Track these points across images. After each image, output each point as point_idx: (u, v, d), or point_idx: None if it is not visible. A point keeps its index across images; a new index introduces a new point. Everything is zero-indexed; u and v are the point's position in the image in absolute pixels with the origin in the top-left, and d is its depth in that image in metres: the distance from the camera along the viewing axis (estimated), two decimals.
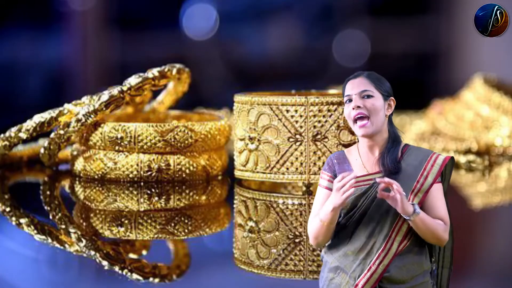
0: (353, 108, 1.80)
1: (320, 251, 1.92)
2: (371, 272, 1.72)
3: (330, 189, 1.80)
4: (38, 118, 2.69)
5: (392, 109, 1.83)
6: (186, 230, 2.23)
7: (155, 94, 2.91)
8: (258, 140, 2.43)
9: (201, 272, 2.02)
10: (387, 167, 1.77)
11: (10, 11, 5.36)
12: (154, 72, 2.64)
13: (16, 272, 2.04)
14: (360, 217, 1.77)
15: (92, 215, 2.36)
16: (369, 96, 1.80)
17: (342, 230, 1.78)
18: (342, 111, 2.36)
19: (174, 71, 2.69)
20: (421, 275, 1.74)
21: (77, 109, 2.65)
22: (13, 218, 2.35)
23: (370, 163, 1.81)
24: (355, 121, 1.80)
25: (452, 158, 1.80)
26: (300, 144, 2.39)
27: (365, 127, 1.79)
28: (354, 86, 1.81)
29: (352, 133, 2.36)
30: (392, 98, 1.83)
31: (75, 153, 2.70)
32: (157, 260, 2.04)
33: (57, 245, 2.12)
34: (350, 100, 1.81)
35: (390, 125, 1.82)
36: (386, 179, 1.71)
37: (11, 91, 5.32)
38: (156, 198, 2.47)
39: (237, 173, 2.52)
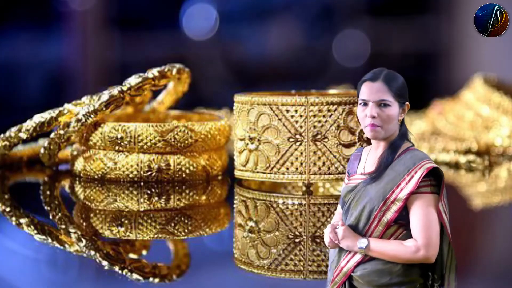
0: (368, 116, 1.74)
1: (321, 251, 1.93)
2: (342, 266, 1.72)
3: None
4: (38, 118, 2.69)
5: (405, 113, 1.77)
6: (186, 230, 2.23)
7: (155, 94, 2.91)
8: (258, 140, 2.43)
9: (201, 272, 2.02)
10: (378, 166, 1.75)
11: (10, 11, 5.37)
12: (154, 72, 2.64)
13: (16, 272, 2.04)
14: (346, 212, 1.76)
15: (92, 215, 2.36)
16: (385, 105, 1.74)
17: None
18: (342, 111, 2.36)
19: (174, 71, 2.69)
20: (397, 284, 1.69)
21: (77, 109, 2.65)
22: (13, 218, 2.35)
23: (370, 163, 1.80)
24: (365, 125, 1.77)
25: (435, 168, 1.72)
26: (300, 144, 2.39)
27: (375, 131, 1.74)
28: (372, 92, 1.74)
29: (352, 133, 2.37)
30: (407, 103, 1.77)
31: (75, 153, 2.70)
32: (157, 260, 2.04)
33: (57, 245, 2.12)
34: (365, 104, 1.75)
35: (402, 126, 1.77)
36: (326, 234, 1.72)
37: (11, 91, 5.32)
38: (156, 198, 2.47)
39: (237, 173, 2.52)
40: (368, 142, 2.30)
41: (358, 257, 1.71)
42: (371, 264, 1.70)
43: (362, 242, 1.69)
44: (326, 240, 1.73)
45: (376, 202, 1.71)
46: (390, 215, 1.70)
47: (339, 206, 1.79)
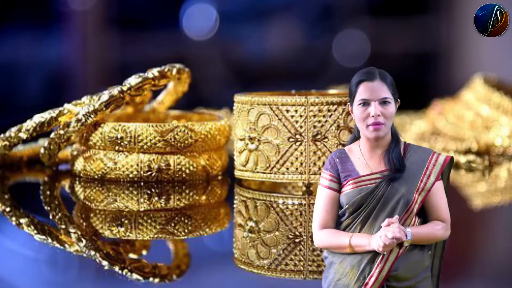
0: (373, 116, 1.78)
1: (321, 251, 1.92)
2: (379, 270, 1.72)
3: (332, 189, 1.81)
4: (38, 118, 2.69)
5: (396, 109, 1.83)
6: (186, 230, 2.23)
7: (155, 94, 2.91)
8: (258, 140, 2.43)
9: (201, 272, 2.02)
10: (393, 164, 1.78)
11: (10, 11, 5.37)
12: (154, 72, 2.64)
13: (16, 272, 2.04)
14: (367, 216, 1.77)
15: (92, 215, 2.36)
16: (387, 103, 1.80)
17: (348, 229, 1.78)
18: (342, 111, 2.36)
19: (174, 71, 2.69)
20: (423, 271, 1.75)
21: (77, 109, 2.65)
22: (13, 218, 2.35)
23: (374, 162, 1.81)
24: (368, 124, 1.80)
25: (452, 158, 1.82)
26: (300, 144, 2.39)
27: (380, 130, 1.79)
28: (374, 91, 1.80)
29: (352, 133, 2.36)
30: (399, 100, 1.84)
31: (75, 153, 2.70)
32: (157, 260, 2.04)
33: (57, 245, 2.12)
34: (366, 104, 1.80)
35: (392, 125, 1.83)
36: (388, 241, 1.72)
37: (11, 91, 5.32)
38: (156, 198, 2.47)
39: (237, 173, 2.52)
40: None
41: (396, 254, 1.73)
42: (407, 257, 1.74)
43: (409, 232, 1.74)
44: (385, 242, 1.72)
45: (410, 196, 1.77)
46: (417, 205, 1.77)
47: (322, 197, 1.80)
